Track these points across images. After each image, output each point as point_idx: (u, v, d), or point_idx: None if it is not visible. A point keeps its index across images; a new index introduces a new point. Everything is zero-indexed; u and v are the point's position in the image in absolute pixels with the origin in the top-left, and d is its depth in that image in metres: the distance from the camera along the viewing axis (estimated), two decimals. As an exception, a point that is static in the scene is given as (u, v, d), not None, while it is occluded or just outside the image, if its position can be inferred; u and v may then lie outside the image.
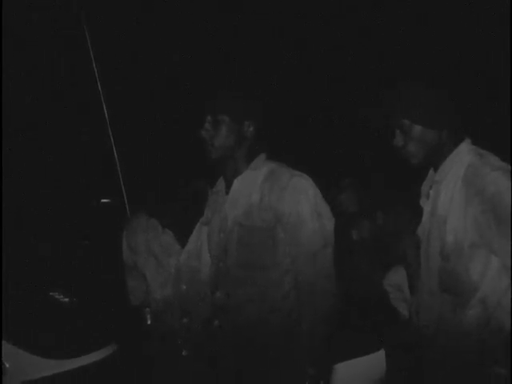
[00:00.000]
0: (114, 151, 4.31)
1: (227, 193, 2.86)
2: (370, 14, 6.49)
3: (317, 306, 2.66)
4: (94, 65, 4.35)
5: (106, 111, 4.37)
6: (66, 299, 3.82)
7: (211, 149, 2.76)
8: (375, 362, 3.62)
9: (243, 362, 2.78)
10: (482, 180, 2.39)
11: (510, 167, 2.44)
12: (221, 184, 2.94)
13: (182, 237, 3.11)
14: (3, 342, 3.19)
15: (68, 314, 3.79)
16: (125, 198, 4.28)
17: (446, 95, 2.56)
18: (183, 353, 3.06)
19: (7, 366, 3.16)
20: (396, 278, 4.48)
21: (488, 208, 2.36)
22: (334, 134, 6.69)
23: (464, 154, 2.55)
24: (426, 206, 2.70)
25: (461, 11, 6.22)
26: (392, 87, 2.65)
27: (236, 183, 2.83)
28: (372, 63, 6.60)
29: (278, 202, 2.70)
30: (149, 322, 3.21)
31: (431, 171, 2.71)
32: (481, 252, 2.43)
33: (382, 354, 3.65)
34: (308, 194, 2.71)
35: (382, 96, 2.67)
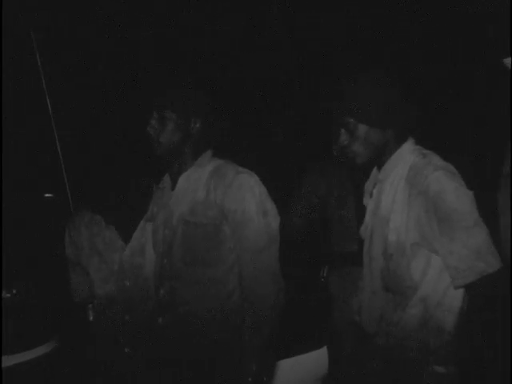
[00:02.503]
0: (58, 146, 4.26)
1: (173, 189, 2.86)
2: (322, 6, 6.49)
3: (261, 304, 2.67)
4: (38, 57, 4.29)
5: (49, 105, 4.32)
6: (8, 295, 3.76)
7: (157, 145, 2.76)
8: (318, 358, 3.65)
9: (186, 359, 2.78)
10: (425, 180, 2.42)
11: (452, 167, 2.49)
12: (166, 180, 2.93)
13: (126, 233, 3.10)
14: None
15: (9, 309, 3.74)
16: (68, 193, 4.23)
17: (392, 94, 2.57)
18: (125, 350, 3.04)
19: None
20: None
21: (430, 208, 2.39)
22: (286, 131, 6.68)
23: (407, 154, 2.58)
24: (369, 205, 2.73)
25: (417, 8, 6.26)
26: (337, 84, 2.66)
27: (182, 180, 2.83)
28: (322, 58, 6.61)
29: (223, 199, 2.70)
30: (91, 319, 3.19)
31: (375, 170, 2.74)
32: (422, 251, 2.47)
33: (324, 351, 3.68)
34: (254, 191, 2.72)
35: (328, 94, 2.68)
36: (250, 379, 2.67)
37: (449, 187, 2.39)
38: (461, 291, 2.46)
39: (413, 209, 2.44)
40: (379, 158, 2.62)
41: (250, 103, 6.48)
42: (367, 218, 2.71)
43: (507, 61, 3.50)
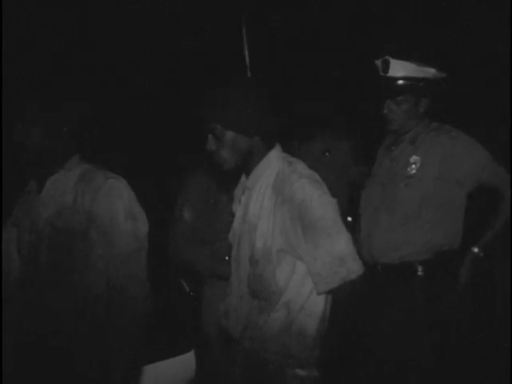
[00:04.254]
0: None
1: (40, 193, 2.80)
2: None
3: (128, 309, 2.66)
4: None
5: None
6: None
7: (24, 149, 2.70)
8: (185, 363, 3.66)
9: (51, 364, 2.73)
10: (290, 187, 2.47)
11: (317, 175, 2.56)
12: (33, 184, 2.87)
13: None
14: None
15: None
16: None
17: (258, 101, 2.59)
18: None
19: None
20: None
21: (295, 215, 2.45)
22: (160, 135, 6.63)
23: (274, 161, 2.62)
24: (237, 211, 2.76)
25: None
26: (207, 90, 2.66)
27: (49, 183, 2.77)
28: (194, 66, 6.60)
29: (91, 204, 2.68)
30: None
31: (243, 177, 2.78)
32: (288, 258, 2.53)
33: (191, 355, 3.69)
34: (123, 196, 2.71)
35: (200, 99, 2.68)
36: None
37: (313, 195, 2.44)
38: (323, 296, 2.54)
39: (279, 216, 2.49)
40: (247, 164, 2.65)
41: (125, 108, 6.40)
42: (235, 224, 2.74)
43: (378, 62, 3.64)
